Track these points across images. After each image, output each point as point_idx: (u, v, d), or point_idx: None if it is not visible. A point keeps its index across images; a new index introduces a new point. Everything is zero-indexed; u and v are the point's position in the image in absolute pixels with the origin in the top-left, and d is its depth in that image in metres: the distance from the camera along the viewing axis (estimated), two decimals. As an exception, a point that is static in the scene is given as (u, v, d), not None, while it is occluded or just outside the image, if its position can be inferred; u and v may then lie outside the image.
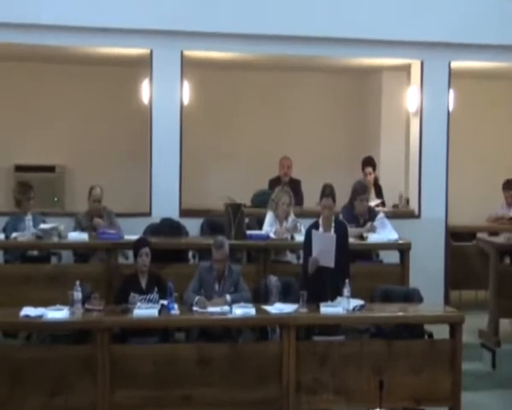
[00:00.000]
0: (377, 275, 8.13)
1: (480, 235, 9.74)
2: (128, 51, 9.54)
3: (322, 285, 7.13)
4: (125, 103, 11.04)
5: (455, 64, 9.79)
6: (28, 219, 8.25)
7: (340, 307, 6.90)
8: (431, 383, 6.90)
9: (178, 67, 9.29)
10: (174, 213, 9.09)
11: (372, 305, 7.30)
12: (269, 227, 8.57)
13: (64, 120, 11.28)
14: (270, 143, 11.33)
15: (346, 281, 6.96)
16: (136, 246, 7.40)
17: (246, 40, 9.25)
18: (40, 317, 6.56)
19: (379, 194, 10.21)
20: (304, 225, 8.16)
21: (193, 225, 8.95)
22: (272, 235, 8.47)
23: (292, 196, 8.69)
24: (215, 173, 11.48)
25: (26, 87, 11.14)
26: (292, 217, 8.62)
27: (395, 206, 10.18)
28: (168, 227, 8.75)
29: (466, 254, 9.74)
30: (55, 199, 11.22)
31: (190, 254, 8.74)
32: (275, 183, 9.63)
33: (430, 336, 7.22)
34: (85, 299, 6.75)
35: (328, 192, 7.50)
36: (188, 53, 9.35)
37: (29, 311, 6.62)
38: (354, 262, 8.01)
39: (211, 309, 6.87)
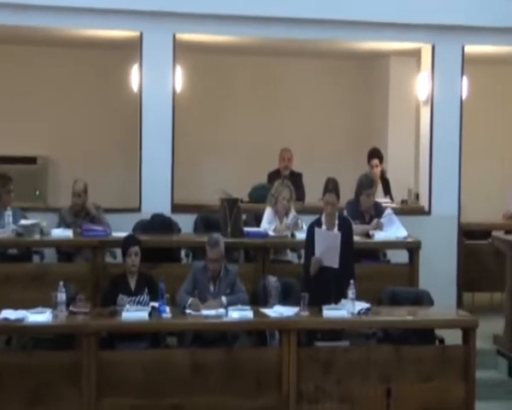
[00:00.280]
0: (384, 276, 8.16)
1: (495, 233, 9.73)
2: (116, 34, 9.53)
3: (325, 287, 7.13)
4: (113, 90, 11.03)
5: (469, 48, 9.78)
6: (8, 214, 8.23)
7: (345, 310, 6.90)
8: (442, 392, 6.89)
9: (170, 52, 9.27)
10: (166, 209, 9.10)
11: (379, 308, 7.30)
12: (268, 224, 8.57)
13: (47, 108, 11.27)
14: (269, 134, 11.34)
15: (351, 282, 6.95)
16: (125, 244, 7.41)
17: (244, 22, 9.25)
18: (21, 320, 6.54)
19: (386, 188, 10.22)
20: (305, 221, 8.17)
21: (186, 222, 8.95)
22: (271, 232, 8.47)
23: (292, 190, 8.68)
24: (210, 166, 11.48)
25: (5, 71, 11.10)
26: (292, 213, 8.62)
27: (404, 201, 10.18)
28: (159, 224, 8.77)
29: (480, 254, 9.79)
30: (37, 193, 11.18)
31: (183, 252, 8.75)
32: (274, 176, 9.64)
33: (441, 341, 7.22)
34: (70, 301, 6.74)
35: (331, 187, 7.51)
36: (180, 36, 9.33)
37: (9, 313, 6.60)
38: (359, 262, 8.02)
39: (205, 312, 6.86)
